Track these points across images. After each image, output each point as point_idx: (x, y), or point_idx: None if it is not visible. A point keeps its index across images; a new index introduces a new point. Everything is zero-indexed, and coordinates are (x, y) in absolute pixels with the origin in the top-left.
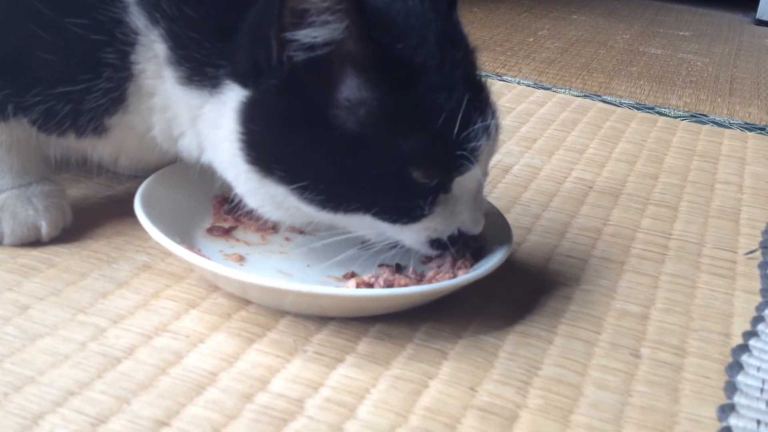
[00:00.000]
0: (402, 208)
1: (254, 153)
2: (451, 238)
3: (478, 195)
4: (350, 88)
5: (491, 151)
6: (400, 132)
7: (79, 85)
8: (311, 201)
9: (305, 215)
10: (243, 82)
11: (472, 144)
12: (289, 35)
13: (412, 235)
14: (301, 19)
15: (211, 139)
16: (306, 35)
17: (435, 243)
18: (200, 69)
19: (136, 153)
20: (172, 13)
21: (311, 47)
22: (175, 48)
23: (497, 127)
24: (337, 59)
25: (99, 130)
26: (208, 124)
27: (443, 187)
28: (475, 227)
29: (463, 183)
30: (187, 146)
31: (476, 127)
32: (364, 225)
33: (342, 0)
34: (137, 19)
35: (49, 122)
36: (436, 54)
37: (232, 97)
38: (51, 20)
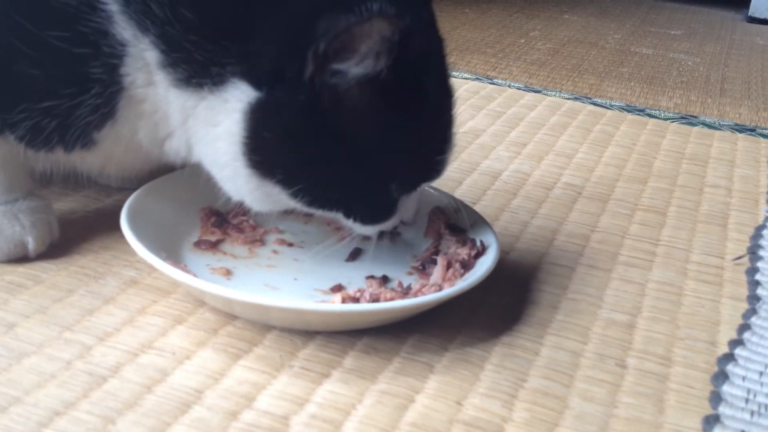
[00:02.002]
0: (374, 213)
1: (258, 158)
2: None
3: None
4: (366, 112)
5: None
6: (395, 153)
7: (65, 99)
8: (303, 200)
9: (289, 206)
10: (256, 84)
11: (443, 164)
12: (333, 65)
13: (367, 229)
14: (349, 53)
15: (203, 137)
16: (349, 68)
17: (380, 233)
18: (202, 69)
19: (122, 159)
20: (166, 17)
21: (348, 77)
22: (170, 51)
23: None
24: (365, 86)
25: (88, 143)
26: (201, 122)
27: (406, 194)
28: (411, 217)
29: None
30: (175, 147)
31: (449, 150)
32: (332, 217)
33: (393, 46)
34: (123, 29)
35: (36, 138)
36: (437, 79)
37: (238, 96)
38: (31, 34)
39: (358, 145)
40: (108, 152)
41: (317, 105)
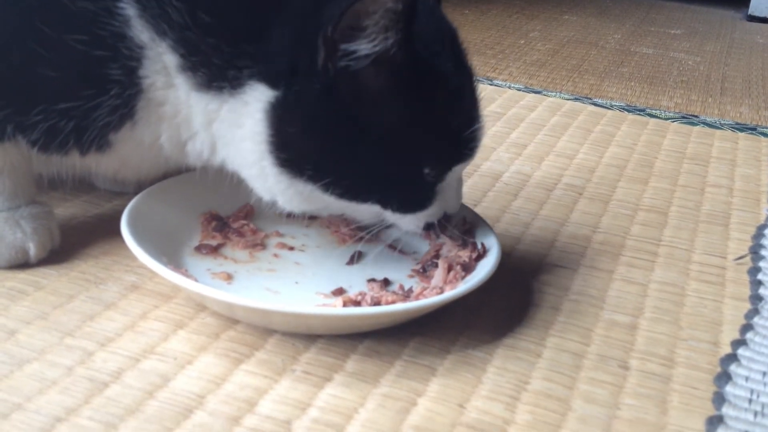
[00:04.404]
0: (412, 200)
1: (285, 154)
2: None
3: (460, 177)
4: (384, 94)
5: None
6: (421, 135)
7: (83, 101)
8: (335, 193)
9: (324, 205)
10: (273, 83)
11: (475, 140)
12: (343, 46)
13: (411, 221)
14: (357, 32)
15: (229, 139)
16: (359, 46)
17: (427, 226)
18: (220, 73)
19: (139, 163)
20: (184, 22)
21: (360, 57)
22: (189, 55)
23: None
24: (378, 67)
25: (104, 146)
26: (225, 125)
27: (443, 177)
28: (456, 207)
29: (455, 171)
30: (198, 149)
31: (478, 125)
32: (370, 212)
33: (400, 18)
34: (141, 32)
35: (52, 141)
36: (451, 59)
37: (257, 97)
38: (50, 37)
39: (381, 130)
40: (125, 156)
41: (334, 92)
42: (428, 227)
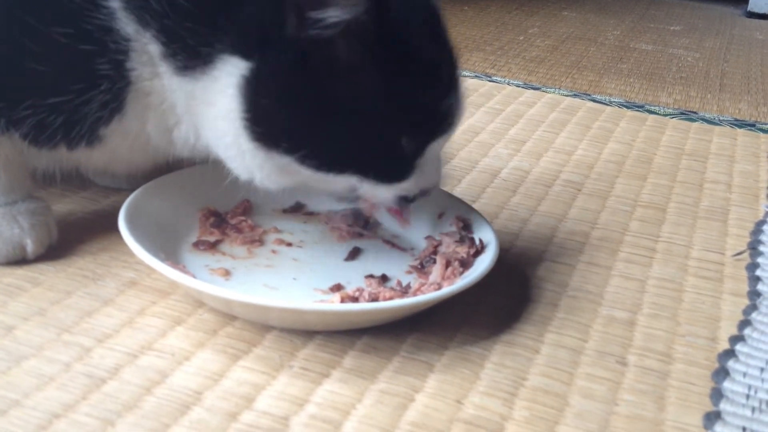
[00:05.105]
0: (388, 171)
1: (261, 128)
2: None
3: (440, 153)
4: (357, 63)
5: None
6: (396, 104)
7: (73, 95)
8: (311, 165)
9: (301, 178)
10: (244, 54)
11: (452, 113)
12: (311, 13)
13: (386, 193)
14: None
15: (204, 118)
16: (328, 14)
17: (402, 199)
18: (195, 53)
19: (128, 156)
20: (164, 10)
21: (330, 25)
22: (169, 43)
23: (465, 94)
24: (349, 35)
25: (93, 140)
26: (200, 103)
27: (421, 150)
28: (435, 183)
29: (434, 145)
30: (184, 135)
31: (455, 98)
32: (345, 184)
33: None
34: (126, 25)
35: (41, 135)
36: (427, 32)
37: (228, 71)
38: (37, 30)
39: (355, 101)
40: (114, 148)
41: (307, 62)
42: (403, 202)
